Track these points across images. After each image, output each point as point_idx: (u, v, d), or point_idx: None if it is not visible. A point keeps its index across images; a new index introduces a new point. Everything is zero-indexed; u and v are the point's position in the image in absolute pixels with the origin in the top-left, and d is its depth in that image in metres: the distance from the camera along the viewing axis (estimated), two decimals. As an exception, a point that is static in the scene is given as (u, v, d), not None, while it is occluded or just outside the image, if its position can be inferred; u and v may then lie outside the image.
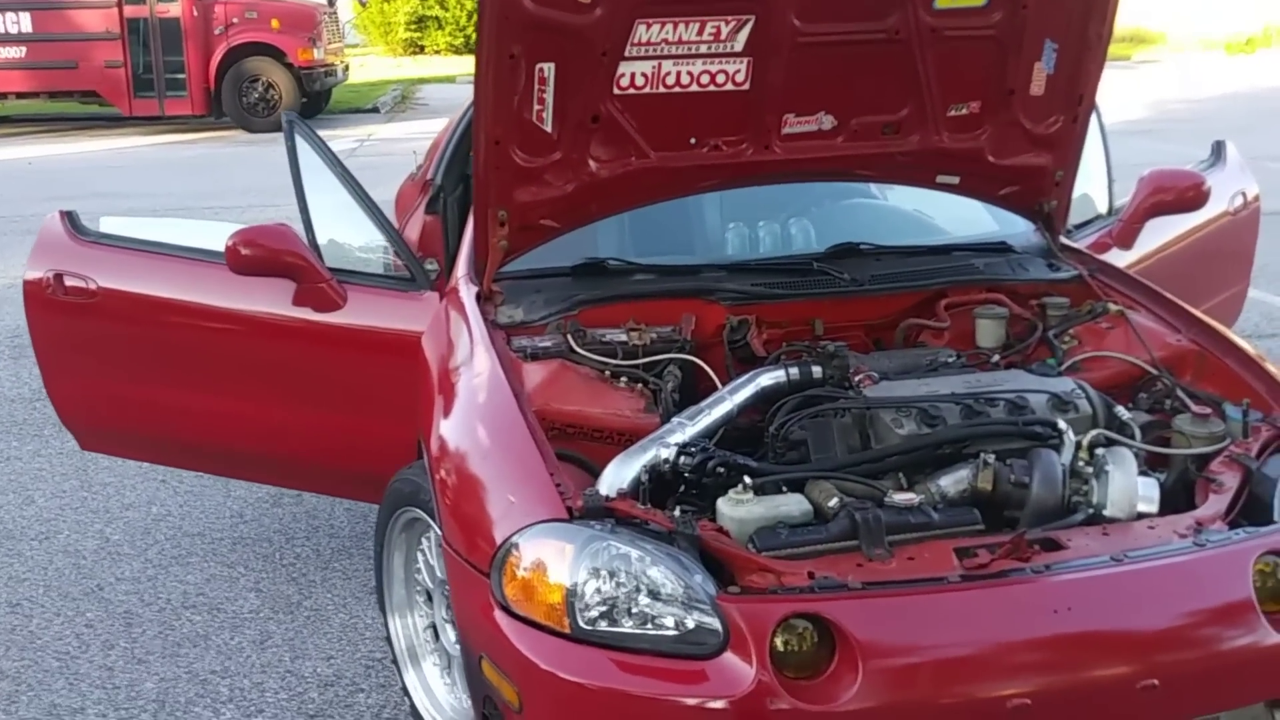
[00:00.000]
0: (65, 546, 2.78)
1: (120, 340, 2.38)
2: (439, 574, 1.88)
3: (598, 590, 1.41)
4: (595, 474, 1.64)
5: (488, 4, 1.71)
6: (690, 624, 1.38)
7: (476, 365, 1.84)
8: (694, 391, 1.91)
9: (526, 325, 1.96)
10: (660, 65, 1.87)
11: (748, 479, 1.56)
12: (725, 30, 1.85)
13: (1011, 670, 1.38)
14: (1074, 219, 2.58)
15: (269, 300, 2.26)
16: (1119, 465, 1.58)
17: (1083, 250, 2.35)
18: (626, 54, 1.83)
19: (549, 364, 1.86)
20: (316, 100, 10.99)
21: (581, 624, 1.39)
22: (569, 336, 1.93)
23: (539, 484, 1.53)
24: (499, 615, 1.46)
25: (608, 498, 1.52)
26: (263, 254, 2.16)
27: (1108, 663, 1.39)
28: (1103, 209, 2.80)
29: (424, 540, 1.95)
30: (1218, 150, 3.07)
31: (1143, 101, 10.39)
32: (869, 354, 2.00)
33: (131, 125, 10.69)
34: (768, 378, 1.87)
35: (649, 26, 1.80)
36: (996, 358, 2.01)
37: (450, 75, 14.95)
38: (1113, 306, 2.07)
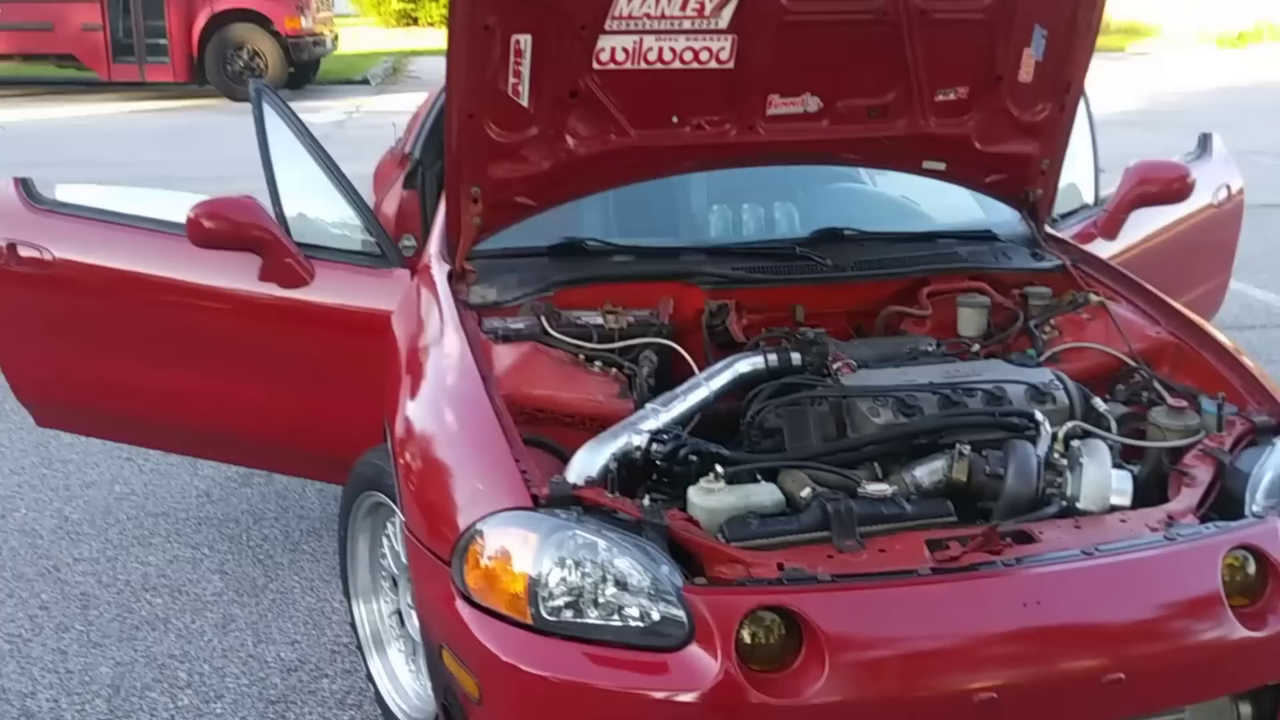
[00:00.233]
0: (21, 525, 2.71)
1: (77, 313, 2.32)
2: (404, 560, 1.84)
3: (563, 580, 1.38)
4: (565, 460, 1.60)
5: (461, -29, 1.66)
6: (656, 616, 1.35)
7: (445, 346, 1.80)
8: (670, 377, 1.87)
9: (499, 306, 1.92)
10: (641, 40, 1.82)
11: (719, 468, 1.53)
12: (709, 5, 1.80)
13: (979, 664, 1.37)
14: (1060, 208, 2.57)
15: (233, 275, 2.20)
16: (1093, 458, 1.58)
17: (1067, 240, 2.34)
18: (606, 27, 1.79)
19: (520, 346, 1.82)
20: (304, 70, 10.77)
21: (544, 614, 1.36)
22: (543, 318, 1.89)
23: (504, 470, 1.50)
24: (460, 605, 1.43)
25: (575, 485, 1.48)
26: (226, 227, 2.09)
27: (1075, 656, 1.38)
28: (1089, 199, 2.78)
29: (389, 525, 1.91)
30: (1204, 143, 3.06)
31: (1134, 92, 10.38)
32: (849, 341, 1.98)
33: (111, 91, 10.45)
34: (746, 364, 1.84)
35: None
36: (976, 347, 1.99)
37: (444, 48, 14.66)
38: (1094, 297, 2.06)
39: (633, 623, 1.35)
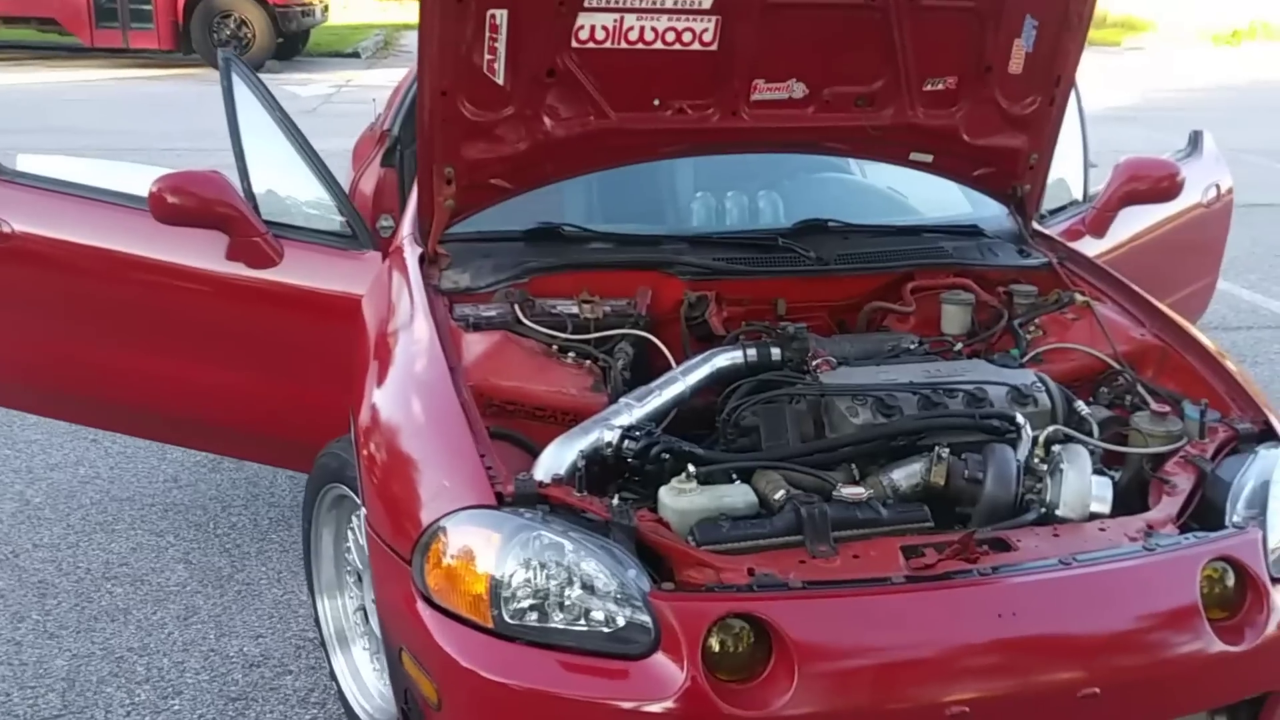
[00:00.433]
0: (-20, 508, 2.65)
1: (35, 289, 2.24)
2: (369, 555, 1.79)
3: (527, 582, 1.33)
4: (535, 455, 1.55)
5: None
6: (621, 621, 1.31)
7: (414, 333, 1.74)
8: (647, 370, 1.83)
9: (472, 292, 1.86)
10: (622, 19, 1.75)
11: (692, 467, 1.49)
12: (693, -15, 1.73)
13: (952, 676, 1.33)
14: (1049, 204, 2.54)
15: (199, 253, 2.13)
16: (1074, 464, 1.54)
17: (1054, 237, 2.30)
18: (586, 4, 1.72)
19: (491, 335, 1.76)
20: (293, 41, 10.53)
21: (506, 618, 1.32)
22: (516, 306, 1.83)
23: (467, 466, 1.45)
24: (420, 606, 1.38)
25: (542, 483, 1.43)
26: (192, 203, 2.02)
27: (1050, 670, 1.35)
28: (1078, 195, 2.75)
29: (354, 519, 1.86)
30: (1194, 140, 3.02)
31: (1127, 88, 10.35)
32: (831, 337, 1.94)
33: (93, 57, 10.21)
34: (724, 358, 1.80)
35: (610, -24, 1.68)
36: (959, 346, 1.95)
37: (425, 22, 14.41)
38: (1079, 297, 2.03)
39: (597, 628, 1.31)
